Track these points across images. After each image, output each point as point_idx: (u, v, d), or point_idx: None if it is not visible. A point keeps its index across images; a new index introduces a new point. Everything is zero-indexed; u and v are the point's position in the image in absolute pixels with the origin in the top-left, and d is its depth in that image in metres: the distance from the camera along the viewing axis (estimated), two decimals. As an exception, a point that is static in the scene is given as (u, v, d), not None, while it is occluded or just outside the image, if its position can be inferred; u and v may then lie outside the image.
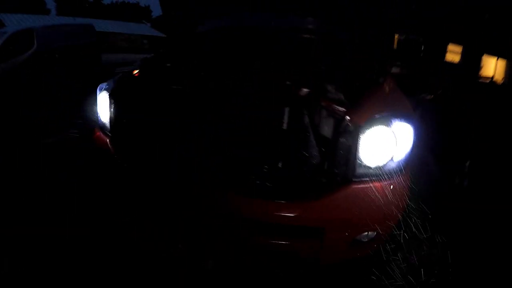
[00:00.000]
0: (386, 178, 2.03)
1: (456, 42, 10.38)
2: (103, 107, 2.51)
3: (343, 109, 2.02)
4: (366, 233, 2.03)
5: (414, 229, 2.20)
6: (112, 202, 2.32)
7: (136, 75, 2.56)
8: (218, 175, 2.04)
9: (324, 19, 3.18)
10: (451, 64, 10.45)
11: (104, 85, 2.59)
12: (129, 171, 2.26)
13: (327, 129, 2.01)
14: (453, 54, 10.63)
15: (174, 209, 2.08)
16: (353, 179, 1.98)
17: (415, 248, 2.19)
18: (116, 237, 2.34)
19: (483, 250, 2.60)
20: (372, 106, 2.11)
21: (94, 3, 35.49)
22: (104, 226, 2.35)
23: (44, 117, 4.91)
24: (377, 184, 1.99)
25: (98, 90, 2.60)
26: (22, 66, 6.72)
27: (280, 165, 2.01)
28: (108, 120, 2.43)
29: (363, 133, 1.98)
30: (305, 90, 2.10)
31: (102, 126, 2.53)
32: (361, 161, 2.00)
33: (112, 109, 2.38)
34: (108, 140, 2.42)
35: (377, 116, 2.03)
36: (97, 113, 2.60)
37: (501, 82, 8.25)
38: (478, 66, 9.63)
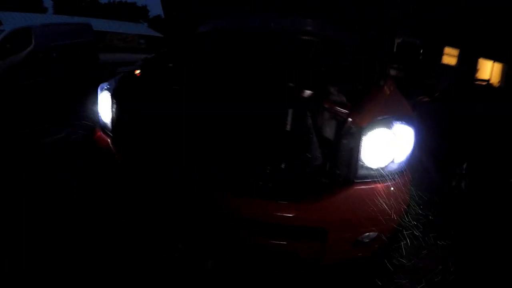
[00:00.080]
0: (388, 179, 2.05)
1: (453, 45, 10.46)
2: (104, 107, 2.50)
3: (346, 111, 2.03)
4: (368, 233, 2.04)
5: (415, 230, 2.23)
6: (113, 201, 2.31)
7: (138, 75, 2.55)
8: (220, 176, 2.05)
9: (325, 20, 3.19)
10: (448, 66, 10.53)
11: (105, 84, 2.57)
12: (130, 171, 2.26)
13: (329, 131, 2.03)
14: (450, 57, 10.71)
15: (175, 209, 2.08)
16: (355, 180, 2.00)
17: (416, 249, 2.21)
18: (116, 237, 2.32)
19: (483, 250, 2.62)
20: (374, 108, 2.12)
21: (91, 2, 35.38)
22: (105, 226, 2.33)
23: (42, 116, 4.90)
24: (378, 185, 2.01)
25: (99, 90, 2.59)
26: (20, 65, 6.68)
27: (282, 166, 2.02)
28: (110, 120, 2.42)
29: (365, 134, 2.00)
30: (308, 91, 2.11)
31: (103, 126, 2.52)
32: (363, 162, 2.02)
33: (114, 109, 2.37)
34: (109, 140, 2.41)
35: (379, 118, 2.05)
36: (98, 113, 2.58)
37: (497, 84, 8.31)
38: (474, 69, 9.70)
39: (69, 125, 4.14)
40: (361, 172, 2.01)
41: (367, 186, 2.00)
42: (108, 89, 2.49)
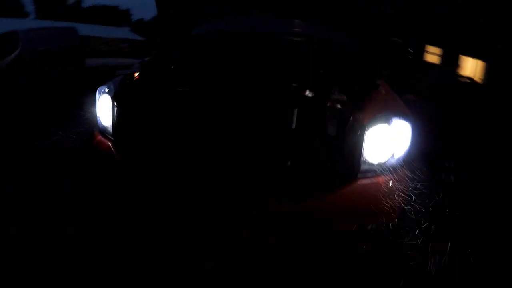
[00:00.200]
0: (388, 173, 2.12)
1: (438, 45, 10.66)
2: (104, 110, 2.50)
3: (348, 109, 2.10)
4: (372, 225, 2.10)
5: (415, 221, 2.32)
6: (116, 203, 2.32)
7: (138, 77, 2.56)
8: (227, 176, 2.09)
9: (322, 23, 3.25)
10: (433, 65, 10.72)
11: (104, 87, 2.56)
12: (133, 174, 2.27)
13: (332, 129, 2.08)
14: (436, 56, 10.91)
15: (181, 209, 2.10)
16: (359, 175, 2.06)
17: (417, 238, 2.30)
18: (116, 237, 2.32)
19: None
20: (374, 106, 2.20)
21: (73, 7, 35.00)
22: (106, 227, 2.33)
23: (30, 119, 4.85)
24: (380, 179, 2.09)
25: (97, 93, 2.58)
26: (7, 69, 6.61)
27: (289, 163, 2.06)
28: (111, 124, 2.42)
29: (367, 131, 2.07)
30: (311, 91, 2.17)
31: (103, 130, 2.51)
32: (365, 158, 2.09)
33: (115, 112, 2.37)
34: (110, 144, 2.41)
35: (379, 115, 2.13)
36: (97, 116, 2.57)
37: (481, 82, 8.51)
38: (459, 67, 9.91)
39: (61, 129, 4.12)
40: (364, 167, 2.08)
41: (370, 180, 2.07)
42: (108, 92, 2.48)
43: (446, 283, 2.16)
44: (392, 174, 2.13)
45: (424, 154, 3.28)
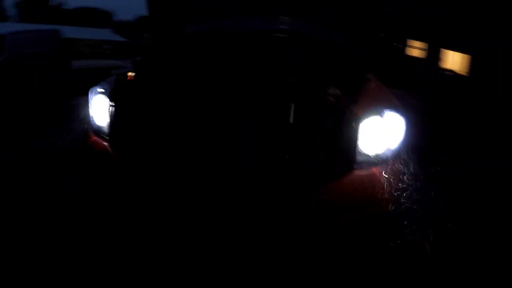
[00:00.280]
0: (383, 163, 2.19)
1: (421, 39, 10.82)
2: (99, 110, 2.49)
3: (343, 103, 2.16)
4: (368, 213, 2.16)
5: (408, 210, 2.40)
6: (113, 202, 2.30)
7: (133, 76, 2.56)
8: (225, 173, 2.11)
9: (322, 22, 3.30)
10: (417, 59, 10.88)
11: (97, 87, 2.56)
12: (131, 172, 2.28)
13: (328, 122, 2.13)
14: (419, 50, 11.07)
15: (180, 208, 2.12)
16: (355, 166, 2.12)
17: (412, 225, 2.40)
18: (116, 238, 2.33)
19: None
20: (368, 100, 2.27)
21: (55, 9, 34.51)
22: (105, 227, 2.33)
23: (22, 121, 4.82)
24: (376, 169, 2.15)
25: (91, 93, 2.57)
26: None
27: (287, 157, 2.10)
28: (106, 123, 2.41)
29: (362, 124, 2.13)
30: (306, 87, 2.22)
31: (97, 130, 2.50)
32: (360, 149, 2.14)
33: (111, 112, 2.37)
34: (106, 144, 2.41)
35: (373, 108, 2.19)
36: (91, 117, 2.57)
37: (464, 74, 8.68)
38: (441, 60, 10.06)
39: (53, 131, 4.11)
40: (360, 158, 2.14)
41: (366, 171, 2.13)
42: (102, 92, 2.48)
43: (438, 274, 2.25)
44: (386, 164, 2.20)
45: (414, 146, 3.39)
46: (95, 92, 2.55)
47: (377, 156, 2.18)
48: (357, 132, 2.11)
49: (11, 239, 2.42)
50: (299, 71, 2.48)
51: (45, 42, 8.01)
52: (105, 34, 27.66)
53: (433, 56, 10.16)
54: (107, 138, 2.44)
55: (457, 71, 9.11)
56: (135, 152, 2.31)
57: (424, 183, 2.79)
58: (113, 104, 2.37)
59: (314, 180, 2.07)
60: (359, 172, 2.11)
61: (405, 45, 11.16)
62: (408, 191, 2.43)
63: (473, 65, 8.13)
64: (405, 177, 2.46)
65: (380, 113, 2.19)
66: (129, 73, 2.59)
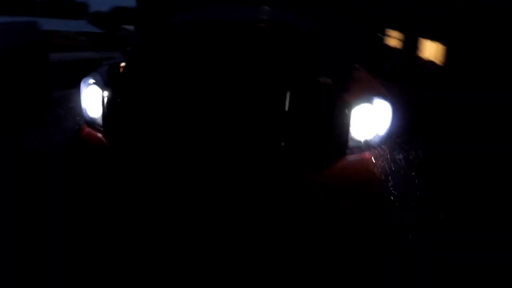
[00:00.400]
0: (373, 148, 2.30)
1: (398, 28, 11.00)
2: (92, 101, 2.49)
3: (334, 91, 2.25)
4: (361, 195, 2.25)
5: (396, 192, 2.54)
6: (112, 197, 2.31)
7: (125, 67, 2.56)
8: (221, 163, 2.17)
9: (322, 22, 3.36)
10: (394, 48, 11.07)
11: (89, 78, 2.54)
12: (128, 165, 2.29)
13: (322, 110, 2.21)
14: (396, 40, 11.25)
15: (184, 201, 2.17)
16: (347, 151, 2.22)
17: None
18: (116, 237, 2.33)
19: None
20: (356, 88, 2.38)
21: (27, 1, 33.45)
22: (105, 226, 2.34)
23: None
24: (366, 154, 2.27)
25: (82, 84, 2.55)
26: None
27: (282, 144, 2.17)
28: (101, 114, 2.41)
29: (353, 111, 2.22)
30: (300, 75, 2.29)
31: (91, 122, 2.51)
32: (352, 135, 2.24)
33: (106, 102, 2.36)
34: (101, 135, 2.42)
35: (362, 96, 2.29)
36: (83, 109, 2.55)
37: (440, 63, 8.88)
38: (417, 49, 10.26)
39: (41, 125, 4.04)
40: (351, 143, 2.24)
41: (357, 155, 2.24)
42: (96, 83, 2.48)
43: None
44: (376, 149, 2.31)
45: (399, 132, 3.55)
46: (87, 84, 2.54)
47: (367, 141, 2.29)
48: (349, 119, 2.20)
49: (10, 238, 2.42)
50: (292, 61, 2.55)
51: (22, 35, 7.77)
52: (81, 25, 27.04)
53: (411, 45, 10.36)
54: (101, 129, 2.44)
55: (434, 61, 9.31)
56: (132, 141, 2.33)
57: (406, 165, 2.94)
58: (109, 94, 2.36)
59: (310, 165, 2.16)
60: (351, 157, 2.22)
61: (385, 35, 11.35)
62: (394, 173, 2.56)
63: (449, 54, 8.33)
64: (391, 161, 2.58)
65: (369, 100, 2.29)
66: (121, 64, 2.59)
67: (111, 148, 2.37)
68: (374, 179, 2.21)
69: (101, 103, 2.39)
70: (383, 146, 2.37)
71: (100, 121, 2.45)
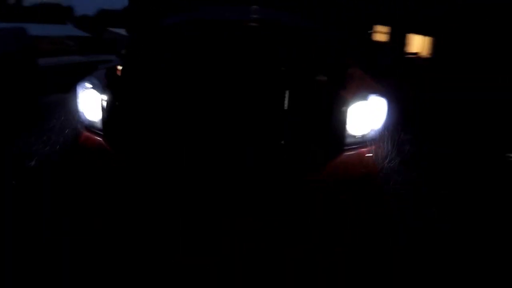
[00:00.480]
0: (370, 143, 2.35)
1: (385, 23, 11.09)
2: (90, 105, 2.46)
3: (332, 89, 2.30)
4: (359, 189, 2.31)
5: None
6: (114, 194, 2.31)
7: (122, 69, 2.56)
8: (224, 164, 2.20)
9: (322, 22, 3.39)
10: (382, 43, 11.15)
11: (85, 82, 2.50)
12: (131, 166, 2.32)
13: (320, 107, 2.26)
14: (384, 35, 11.35)
15: (183, 203, 2.19)
16: (345, 148, 2.27)
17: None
18: (116, 237, 2.31)
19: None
20: (353, 86, 2.43)
21: (14, 7, 33.04)
22: (105, 227, 2.31)
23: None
24: (363, 149, 2.32)
25: (79, 89, 2.52)
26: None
27: (282, 142, 2.21)
28: (100, 118, 2.40)
29: (350, 107, 2.27)
30: (298, 74, 2.34)
31: (89, 126, 2.48)
32: (349, 131, 2.29)
33: (105, 106, 2.36)
34: (101, 139, 2.41)
35: (358, 93, 2.34)
36: (81, 113, 2.53)
37: (427, 56, 9.00)
38: (405, 44, 10.37)
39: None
40: (349, 140, 2.29)
41: (354, 151, 2.30)
42: (93, 87, 2.45)
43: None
44: (372, 144, 2.36)
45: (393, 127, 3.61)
46: (83, 87, 2.50)
47: (364, 137, 2.34)
48: (346, 116, 2.25)
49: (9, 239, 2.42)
50: (290, 60, 2.59)
51: (10, 41, 7.71)
52: (68, 29, 26.76)
53: (398, 40, 10.46)
54: (101, 133, 2.42)
55: (420, 54, 9.42)
56: (134, 144, 2.33)
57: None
58: (108, 97, 2.36)
59: (310, 162, 2.21)
60: (348, 153, 2.28)
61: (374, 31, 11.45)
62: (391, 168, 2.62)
63: (435, 47, 8.42)
64: (387, 155, 2.64)
65: (366, 97, 2.34)
66: (119, 67, 2.58)
67: (111, 151, 2.37)
68: (372, 174, 2.27)
69: (100, 107, 2.39)
70: (380, 141, 2.43)
71: (99, 125, 2.43)
